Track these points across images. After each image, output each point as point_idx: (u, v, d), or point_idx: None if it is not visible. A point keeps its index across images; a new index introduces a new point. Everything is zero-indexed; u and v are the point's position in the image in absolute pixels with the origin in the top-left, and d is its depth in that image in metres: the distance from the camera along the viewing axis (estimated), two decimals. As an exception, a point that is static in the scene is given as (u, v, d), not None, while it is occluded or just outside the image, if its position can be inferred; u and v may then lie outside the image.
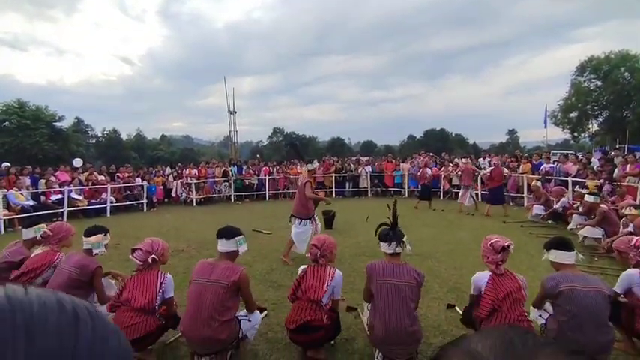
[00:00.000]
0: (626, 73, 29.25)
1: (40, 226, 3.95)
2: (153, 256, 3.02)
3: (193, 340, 2.80)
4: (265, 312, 3.84)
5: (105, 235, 3.46)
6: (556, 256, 2.85)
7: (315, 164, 8.08)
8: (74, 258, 3.33)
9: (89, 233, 3.41)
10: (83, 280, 3.21)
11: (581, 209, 7.30)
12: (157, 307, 2.96)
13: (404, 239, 2.98)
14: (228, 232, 3.00)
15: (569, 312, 2.63)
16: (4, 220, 9.00)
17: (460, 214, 10.21)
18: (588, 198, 6.80)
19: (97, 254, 3.37)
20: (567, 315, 2.64)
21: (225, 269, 2.85)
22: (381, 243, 3.04)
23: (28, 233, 3.96)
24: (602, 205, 6.54)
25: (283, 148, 49.62)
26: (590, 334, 2.58)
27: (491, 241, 2.88)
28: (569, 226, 7.28)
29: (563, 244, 2.85)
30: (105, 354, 0.33)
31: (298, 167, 15.82)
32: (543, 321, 2.94)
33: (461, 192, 10.90)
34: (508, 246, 2.83)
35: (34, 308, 0.31)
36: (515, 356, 0.34)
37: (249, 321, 2.99)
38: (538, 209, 8.69)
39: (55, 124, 30.74)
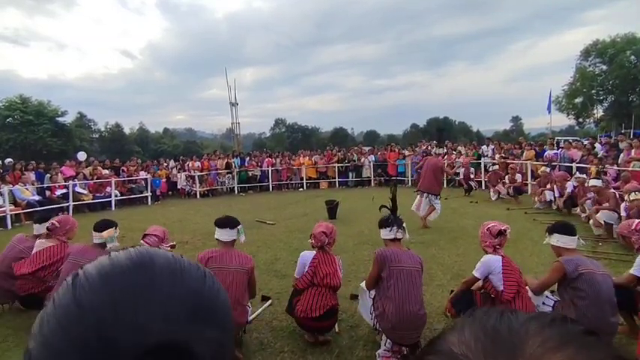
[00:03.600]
0: (632, 57, 28.74)
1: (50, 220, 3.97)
2: (172, 243, 3.10)
3: None
4: (270, 301, 3.88)
5: (115, 228, 3.48)
6: (558, 240, 2.83)
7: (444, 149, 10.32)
8: (91, 253, 3.27)
9: (99, 228, 3.41)
10: None
11: (589, 194, 7.17)
12: None
13: (404, 225, 3.01)
14: (231, 222, 3.04)
15: (590, 295, 2.62)
16: (11, 215, 9.09)
17: (463, 201, 10.20)
18: (594, 182, 6.74)
19: (109, 248, 3.39)
20: (588, 298, 2.63)
21: (240, 256, 2.97)
22: (382, 230, 3.05)
23: (40, 229, 3.96)
24: (610, 190, 6.49)
25: (286, 140, 49.55)
26: (608, 316, 2.62)
27: (489, 226, 2.90)
28: (584, 214, 7.07)
29: (566, 229, 2.83)
30: (223, 298, 0.45)
31: (301, 158, 15.85)
32: (549, 308, 2.89)
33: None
34: (505, 230, 2.84)
35: (175, 258, 0.44)
36: (505, 344, 0.30)
37: (249, 307, 3.10)
38: (550, 194, 8.56)
39: (57, 119, 30.81)
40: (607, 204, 6.30)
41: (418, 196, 7.34)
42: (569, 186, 8.08)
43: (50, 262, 3.56)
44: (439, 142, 6.80)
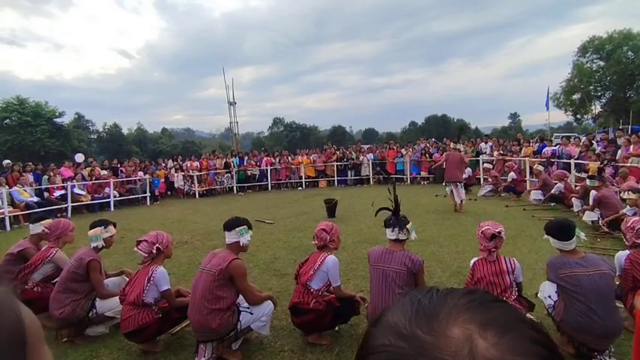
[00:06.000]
0: (630, 53, 28.76)
1: (45, 221, 3.98)
2: (157, 245, 3.04)
3: (192, 325, 2.91)
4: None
5: (105, 227, 3.47)
6: (553, 243, 2.84)
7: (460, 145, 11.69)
8: (77, 252, 3.38)
9: (91, 227, 3.45)
10: (80, 273, 3.25)
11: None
12: (146, 300, 2.95)
13: (407, 226, 2.98)
14: (230, 224, 3.01)
15: (578, 297, 2.61)
16: (9, 216, 9.07)
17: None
18: (589, 182, 6.80)
19: (95, 247, 3.39)
20: (577, 300, 2.61)
21: (219, 258, 2.88)
22: (386, 230, 3.05)
23: (35, 228, 3.99)
24: (592, 191, 6.53)
25: (284, 138, 49.51)
26: (603, 317, 2.56)
27: (483, 229, 2.89)
28: (574, 209, 7.25)
29: (562, 232, 2.79)
30: None
31: (299, 157, 15.83)
32: (552, 302, 2.91)
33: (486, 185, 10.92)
34: (499, 233, 2.83)
35: None
36: (425, 313, 0.37)
37: (251, 314, 2.94)
38: (536, 194, 8.71)
39: (55, 120, 30.75)
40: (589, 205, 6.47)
41: (448, 188, 8.49)
42: (558, 187, 8.11)
43: (29, 263, 3.59)
44: (458, 140, 8.45)
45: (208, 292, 2.77)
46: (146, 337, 2.99)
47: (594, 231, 6.16)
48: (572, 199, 7.34)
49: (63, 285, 3.24)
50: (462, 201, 8.36)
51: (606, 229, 5.93)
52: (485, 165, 12.17)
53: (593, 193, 6.49)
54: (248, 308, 2.97)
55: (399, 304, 0.40)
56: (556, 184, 8.25)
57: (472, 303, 0.37)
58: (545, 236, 2.93)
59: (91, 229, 3.44)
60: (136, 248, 3.08)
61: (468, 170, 11.84)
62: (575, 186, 8.19)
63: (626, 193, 5.69)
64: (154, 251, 3.04)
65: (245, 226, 3.03)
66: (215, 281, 2.78)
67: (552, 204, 8.36)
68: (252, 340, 3.19)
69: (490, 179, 10.86)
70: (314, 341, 3.07)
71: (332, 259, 3.05)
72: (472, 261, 3.03)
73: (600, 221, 6.15)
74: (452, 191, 8.42)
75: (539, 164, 9.84)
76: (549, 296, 2.97)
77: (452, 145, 10.17)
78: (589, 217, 6.44)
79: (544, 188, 8.58)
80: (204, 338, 2.83)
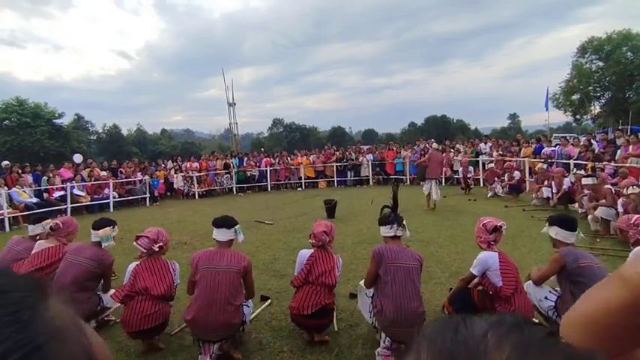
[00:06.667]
0: (629, 53, 28.79)
1: (46, 221, 3.97)
2: (160, 244, 3.07)
3: (207, 327, 2.76)
4: (269, 301, 3.88)
5: (113, 227, 3.51)
6: (557, 233, 2.81)
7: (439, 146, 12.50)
8: (88, 251, 3.34)
9: (97, 226, 3.44)
10: (98, 272, 3.32)
11: (585, 191, 7.23)
12: (174, 294, 3.10)
13: (404, 222, 3.00)
14: (226, 222, 3.04)
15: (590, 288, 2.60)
16: (9, 217, 9.06)
17: (461, 199, 10.20)
18: (585, 181, 6.79)
19: (106, 247, 3.42)
20: None
21: (233, 256, 2.92)
22: (382, 227, 3.04)
23: (35, 229, 3.98)
24: (607, 186, 6.51)
25: (284, 139, 49.54)
26: None
27: (484, 222, 2.89)
28: (581, 210, 7.13)
29: (567, 223, 2.80)
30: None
31: (299, 157, 15.84)
32: (551, 303, 2.86)
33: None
34: (500, 226, 2.83)
35: None
36: None
37: (248, 307, 3.06)
38: (548, 191, 8.63)
39: (55, 121, 30.71)
40: (604, 200, 6.32)
41: (428, 185, 8.77)
42: (566, 182, 8.12)
43: (47, 263, 3.53)
44: (441, 142, 9.96)
45: (234, 290, 2.83)
46: (159, 332, 3.06)
47: (594, 232, 6.15)
48: (584, 198, 7.23)
49: (78, 284, 3.22)
50: (436, 199, 8.69)
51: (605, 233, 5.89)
52: (490, 165, 12.13)
53: (607, 187, 6.42)
54: (245, 301, 3.05)
55: (420, 353, 0.32)
56: (559, 182, 8.25)
57: (525, 350, 0.29)
58: (545, 229, 2.91)
59: (94, 228, 3.42)
60: (135, 243, 3.09)
61: (470, 170, 11.95)
62: (574, 184, 8.18)
63: (630, 188, 5.65)
64: (156, 249, 3.07)
65: (239, 225, 3.11)
66: (238, 278, 2.88)
67: (558, 206, 8.25)
68: (252, 340, 3.19)
69: (497, 179, 10.75)
70: (320, 339, 3.07)
71: (341, 260, 3.23)
72: (488, 256, 2.87)
73: (616, 219, 5.96)
74: (430, 189, 8.76)
75: (542, 163, 9.84)
76: (545, 297, 2.92)
77: (434, 145, 11.05)
78: (606, 214, 6.15)
79: (558, 185, 8.49)
80: (221, 337, 2.82)
